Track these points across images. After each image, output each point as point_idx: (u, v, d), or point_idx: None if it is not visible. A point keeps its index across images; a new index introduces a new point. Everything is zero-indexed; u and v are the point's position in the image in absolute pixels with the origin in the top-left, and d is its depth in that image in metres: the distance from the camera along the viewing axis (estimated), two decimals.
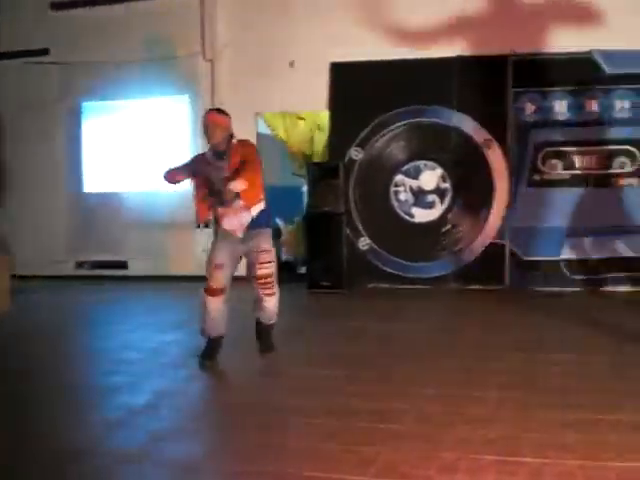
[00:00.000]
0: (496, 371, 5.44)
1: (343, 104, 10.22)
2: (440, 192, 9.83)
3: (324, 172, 9.75)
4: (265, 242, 5.83)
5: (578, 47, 9.30)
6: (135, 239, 11.12)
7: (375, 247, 9.92)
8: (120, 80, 11.12)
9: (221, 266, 5.72)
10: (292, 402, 4.86)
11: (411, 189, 9.92)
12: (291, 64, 10.49)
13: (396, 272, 9.81)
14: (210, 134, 5.66)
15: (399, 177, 9.97)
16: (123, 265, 11.33)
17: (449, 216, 9.77)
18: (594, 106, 9.43)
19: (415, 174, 9.93)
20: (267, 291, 5.83)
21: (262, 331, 6.12)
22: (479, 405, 4.61)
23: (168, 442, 4.19)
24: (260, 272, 5.77)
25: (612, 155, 9.29)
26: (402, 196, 9.94)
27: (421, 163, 9.93)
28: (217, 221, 5.82)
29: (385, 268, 9.85)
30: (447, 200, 9.79)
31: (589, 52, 9.35)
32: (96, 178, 11.59)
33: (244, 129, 10.42)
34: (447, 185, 9.80)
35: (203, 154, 5.93)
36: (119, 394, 5.18)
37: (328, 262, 9.56)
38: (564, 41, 9.32)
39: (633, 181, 9.21)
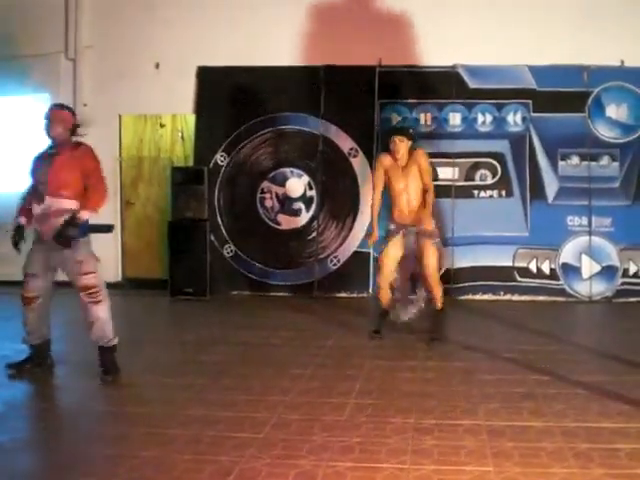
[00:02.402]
0: (354, 378, 5.44)
1: (210, 108, 10.04)
2: (306, 200, 9.79)
3: (188, 177, 9.52)
4: (82, 252, 5.45)
5: (443, 61, 9.50)
6: None
7: (240, 254, 9.77)
8: None
9: (32, 276, 5.47)
10: (146, 411, 4.70)
11: (277, 196, 9.85)
12: (156, 66, 10.22)
13: (261, 279, 9.70)
14: (51, 127, 5.50)
15: (265, 184, 9.88)
16: None
17: (314, 224, 9.73)
18: (457, 119, 9.63)
19: (281, 181, 9.86)
20: (94, 299, 5.43)
21: (104, 358, 5.58)
22: (336, 412, 4.57)
23: (14, 453, 3.95)
24: (83, 283, 5.41)
25: (474, 167, 9.52)
26: (268, 203, 9.85)
27: (287, 170, 9.87)
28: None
29: (250, 275, 9.72)
30: (313, 208, 9.76)
31: (453, 66, 9.56)
32: None
33: (107, 130, 10.19)
34: (313, 193, 9.78)
35: (43, 153, 5.69)
36: None
37: (191, 269, 9.33)
38: (430, 55, 9.51)
39: (493, 193, 9.45)
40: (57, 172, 5.41)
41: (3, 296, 9.35)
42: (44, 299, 5.53)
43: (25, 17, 10.33)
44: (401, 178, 6.82)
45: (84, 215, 5.36)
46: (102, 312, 5.46)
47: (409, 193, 6.83)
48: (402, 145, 6.78)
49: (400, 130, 7.34)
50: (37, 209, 5.43)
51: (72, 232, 5.29)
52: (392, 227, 6.88)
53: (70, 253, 5.39)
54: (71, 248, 5.36)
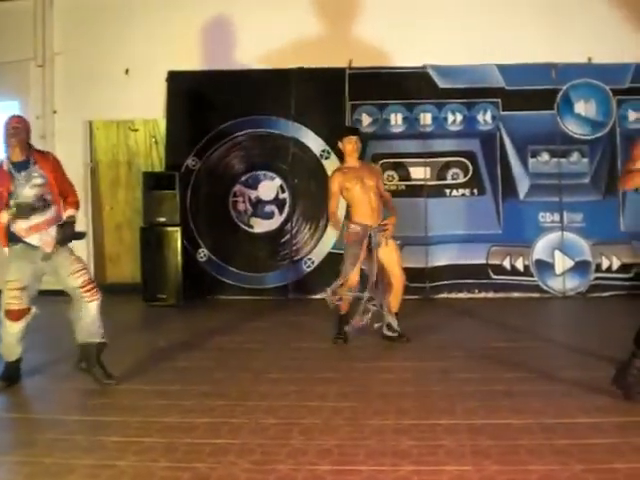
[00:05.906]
0: (331, 380, 5.43)
1: (180, 113, 9.96)
2: (279, 202, 9.77)
3: (159, 182, 9.43)
4: (71, 253, 5.51)
5: (412, 62, 9.51)
6: None
7: (214, 258, 9.72)
8: None
9: (23, 289, 5.34)
10: (121, 420, 4.63)
11: (250, 199, 9.81)
12: (126, 72, 10.13)
13: (235, 283, 9.65)
14: (14, 142, 5.28)
15: (238, 187, 9.83)
16: None
17: (288, 226, 9.71)
18: (428, 119, 9.65)
19: (254, 184, 9.82)
20: (93, 296, 5.47)
21: (91, 357, 5.52)
22: (314, 415, 4.56)
23: None
24: (83, 279, 5.43)
25: (446, 166, 9.55)
26: (241, 206, 9.81)
27: (260, 173, 9.83)
28: (16, 236, 5.32)
29: (224, 279, 9.67)
30: (286, 210, 9.73)
31: (423, 67, 9.58)
32: None
33: (77, 137, 10.13)
34: (286, 195, 9.75)
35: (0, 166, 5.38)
36: None
37: (164, 274, 9.26)
38: (399, 56, 9.53)
39: (466, 191, 9.49)
40: None
41: None
42: (29, 315, 5.45)
43: None
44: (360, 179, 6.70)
45: (73, 213, 5.52)
46: (96, 309, 5.48)
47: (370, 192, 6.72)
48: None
49: (356, 130, 7.27)
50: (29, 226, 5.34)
51: (71, 230, 5.48)
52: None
53: (64, 256, 5.40)
54: (61, 252, 5.39)
